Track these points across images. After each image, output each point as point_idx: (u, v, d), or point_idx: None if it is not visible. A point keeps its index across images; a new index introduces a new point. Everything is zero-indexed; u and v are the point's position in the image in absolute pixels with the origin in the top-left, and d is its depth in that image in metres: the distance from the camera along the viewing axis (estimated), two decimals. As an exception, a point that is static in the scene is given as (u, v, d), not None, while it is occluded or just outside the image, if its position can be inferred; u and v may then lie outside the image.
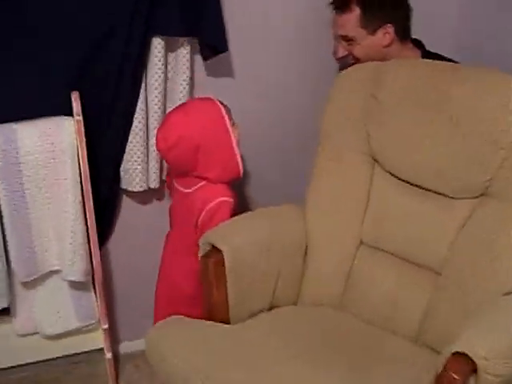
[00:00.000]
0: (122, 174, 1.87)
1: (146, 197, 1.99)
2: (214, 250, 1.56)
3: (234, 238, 1.58)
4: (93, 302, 1.86)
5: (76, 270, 1.72)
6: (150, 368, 1.52)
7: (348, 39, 1.80)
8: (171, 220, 1.88)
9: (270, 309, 1.68)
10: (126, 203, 1.99)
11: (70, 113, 1.65)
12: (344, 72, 1.81)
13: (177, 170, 1.78)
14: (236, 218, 1.68)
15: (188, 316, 1.56)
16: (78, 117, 1.60)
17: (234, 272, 1.55)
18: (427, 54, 1.83)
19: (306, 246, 1.75)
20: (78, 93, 1.63)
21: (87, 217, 1.70)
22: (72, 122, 1.63)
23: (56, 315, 1.81)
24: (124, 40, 1.65)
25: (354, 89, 1.75)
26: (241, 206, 2.02)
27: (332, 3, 1.82)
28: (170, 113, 1.76)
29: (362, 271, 1.72)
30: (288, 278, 1.71)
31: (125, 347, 2.16)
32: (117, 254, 2.03)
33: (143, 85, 1.76)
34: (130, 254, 2.06)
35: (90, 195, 1.68)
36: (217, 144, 1.70)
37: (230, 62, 1.94)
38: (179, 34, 1.71)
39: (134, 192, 1.89)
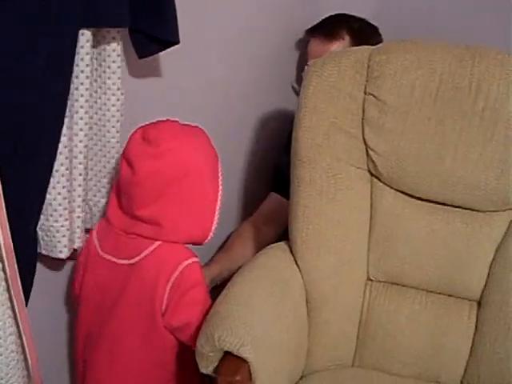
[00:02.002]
0: (40, 234, 1.29)
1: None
2: (230, 357, 1.08)
3: (252, 332, 1.11)
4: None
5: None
6: None
7: None
8: (85, 308, 1.32)
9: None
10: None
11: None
12: (316, 63, 1.38)
13: (135, 197, 1.21)
14: (227, 293, 1.20)
15: None
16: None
17: (262, 381, 1.09)
18: None
19: (307, 300, 1.38)
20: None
21: (16, 313, 1.10)
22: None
23: None
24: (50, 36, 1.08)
25: (337, 86, 1.34)
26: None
27: (315, 31, 1.73)
28: (159, 121, 1.24)
29: (376, 315, 1.41)
30: (299, 347, 1.34)
31: None
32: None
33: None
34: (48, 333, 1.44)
35: (19, 282, 1.09)
36: (201, 187, 1.21)
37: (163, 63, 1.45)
38: (122, 23, 1.20)
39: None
